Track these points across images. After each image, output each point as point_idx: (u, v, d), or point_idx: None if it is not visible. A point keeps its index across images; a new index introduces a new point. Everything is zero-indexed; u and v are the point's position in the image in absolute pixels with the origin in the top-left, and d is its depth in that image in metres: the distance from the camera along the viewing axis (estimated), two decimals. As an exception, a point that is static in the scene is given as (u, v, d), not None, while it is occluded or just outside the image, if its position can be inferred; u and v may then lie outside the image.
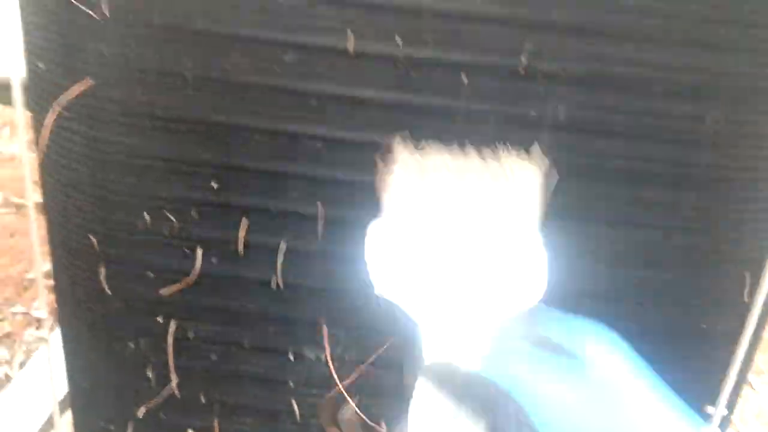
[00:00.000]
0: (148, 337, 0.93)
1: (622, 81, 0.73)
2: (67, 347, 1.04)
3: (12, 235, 2.17)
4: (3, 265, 2.05)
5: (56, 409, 1.05)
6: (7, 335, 1.81)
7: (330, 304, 0.88)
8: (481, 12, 0.71)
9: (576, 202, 0.78)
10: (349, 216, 0.83)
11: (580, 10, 0.71)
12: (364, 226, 0.85)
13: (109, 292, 0.91)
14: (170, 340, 0.91)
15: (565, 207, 0.77)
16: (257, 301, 0.89)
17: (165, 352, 0.93)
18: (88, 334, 0.98)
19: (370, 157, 0.79)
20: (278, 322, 0.90)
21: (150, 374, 0.95)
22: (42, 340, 1.78)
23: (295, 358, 0.92)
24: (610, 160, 0.75)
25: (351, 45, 0.74)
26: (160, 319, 0.91)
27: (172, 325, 0.91)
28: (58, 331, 1.70)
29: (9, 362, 1.71)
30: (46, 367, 1.58)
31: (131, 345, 0.94)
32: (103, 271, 0.90)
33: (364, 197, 0.82)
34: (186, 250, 0.87)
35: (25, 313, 1.88)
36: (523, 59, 0.71)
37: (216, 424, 0.97)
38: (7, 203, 2.36)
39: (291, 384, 0.94)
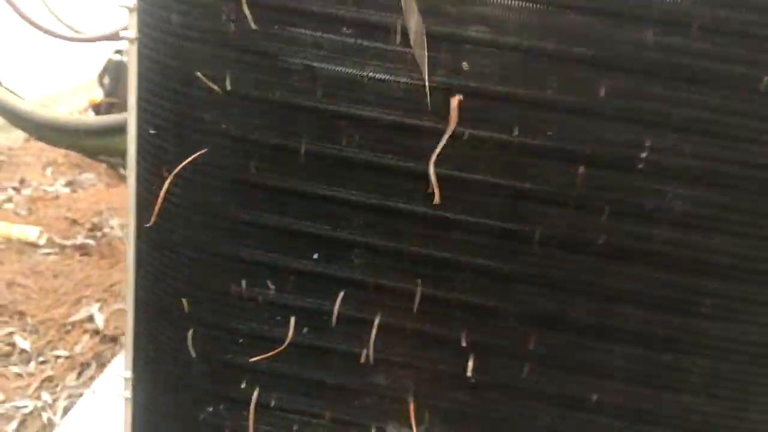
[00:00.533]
0: (228, 403, 0.93)
1: (736, 180, 0.73)
2: (138, 405, 1.03)
3: (55, 277, 2.19)
4: (45, 306, 2.06)
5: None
6: (49, 379, 1.80)
7: (419, 381, 0.88)
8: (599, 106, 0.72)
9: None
10: (445, 295, 0.83)
11: (697, 111, 0.72)
12: (459, 306, 0.86)
13: (193, 355, 0.91)
14: (252, 407, 0.91)
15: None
16: (344, 374, 0.89)
17: (243, 419, 0.92)
18: (163, 394, 0.97)
19: (476, 240, 0.79)
20: (363, 397, 0.90)
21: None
22: (84, 385, 1.77)
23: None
24: (724, 257, 0.76)
25: (466, 132, 0.75)
26: (243, 386, 0.91)
27: (256, 393, 0.91)
28: (101, 378, 1.70)
29: (51, 406, 1.71)
30: (90, 415, 1.58)
31: (210, 410, 0.93)
32: (190, 334, 0.91)
33: (462, 277, 0.82)
34: (278, 318, 0.88)
35: (68, 357, 1.87)
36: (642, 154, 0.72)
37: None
38: (51, 244, 2.38)
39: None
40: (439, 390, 0.88)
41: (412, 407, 0.88)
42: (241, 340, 0.89)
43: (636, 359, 0.82)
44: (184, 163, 0.81)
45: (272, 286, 0.85)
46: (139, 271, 0.95)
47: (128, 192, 0.87)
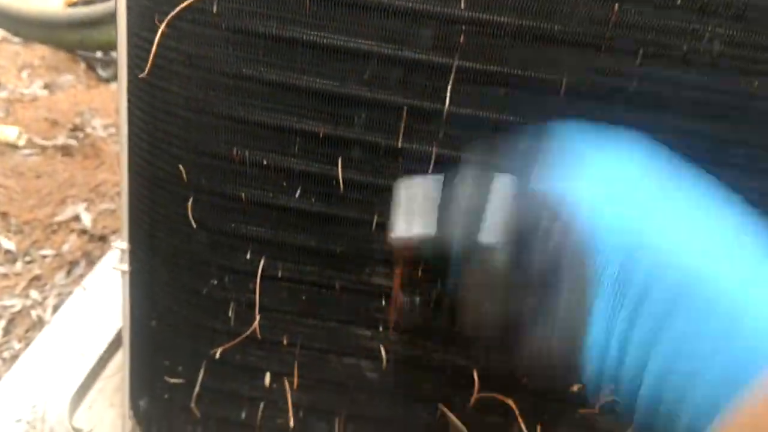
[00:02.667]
0: (233, 275, 0.89)
1: None
2: (136, 284, 0.99)
3: (38, 177, 2.11)
4: (29, 207, 1.99)
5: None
6: (37, 278, 1.76)
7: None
8: None
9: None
10: (459, 156, 0.79)
11: None
12: (471, 167, 0.81)
13: (194, 225, 0.87)
14: (258, 278, 0.87)
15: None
16: (354, 241, 0.85)
17: (250, 291, 0.89)
18: (165, 270, 0.93)
19: (494, 92, 0.74)
20: (375, 264, 0.86)
21: (231, 314, 0.91)
22: (74, 283, 1.73)
23: (388, 302, 0.88)
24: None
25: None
26: (248, 256, 0.87)
27: (262, 263, 0.87)
28: (92, 275, 1.66)
29: (40, 304, 1.67)
30: (82, 311, 1.54)
31: (214, 282, 0.89)
32: (190, 203, 0.85)
33: (478, 135, 0.77)
34: (283, 184, 0.82)
35: (56, 256, 1.82)
36: None
37: (296, 369, 0.93)
38: (31, 144, 2.29)
39: (381, 329, 0.90)
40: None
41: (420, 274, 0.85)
42: (244, 209, 0.84)
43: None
44: (179, 8, 0.74)
45: (276, 149, 0.80)
46: (132, 137, 0.89)
47: (118, 43, 0.80)
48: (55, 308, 1.66)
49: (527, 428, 0.91)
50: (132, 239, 0.94)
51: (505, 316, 0.59)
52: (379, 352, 0.91)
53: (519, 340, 0.58)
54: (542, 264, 0.53)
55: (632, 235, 0.48)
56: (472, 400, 0.92)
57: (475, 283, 0.61)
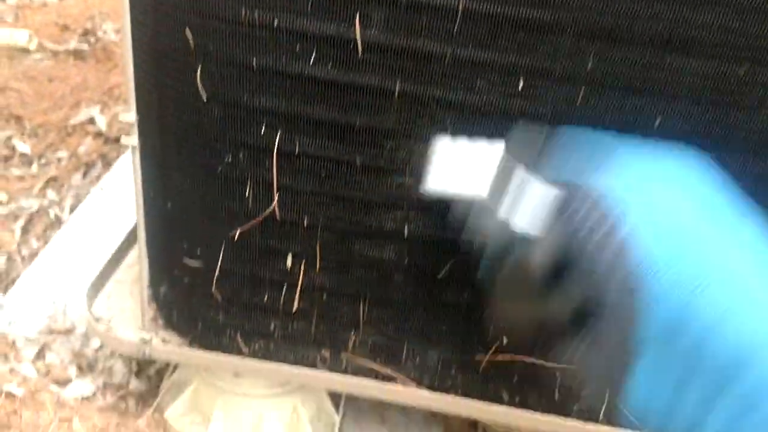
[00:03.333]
0: (248, 151, 0.84)
1: None
2: (148, 163, 0.95)
3: (50, 81, 2.06)
4: (43, 110, 1.95)
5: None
6: (54, 179, 1.73)
7: (459, 117, 0.78)
8: None
9: None
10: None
11: None
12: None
13: (204, 97, 0.81)
14: (275, 153, 0.82)
15: None
16: (375, 112, 0.79)
17: (266, 169, 0.84)
18: (176, 147, 0.89)
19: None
20: (396, 138, 0.80)
21: (248, 193, 0.87)
22: (90, 184, 1.71)
23: (411, 180, 0.83)
24: None
25: None
26: (263, 130, 0.82)
27: (278, 137, 0.82)
28: (108, 176, 1.63)
29: (58, 204, 1.65)
30: (99, 210, 1.52)
31: (228, 159, 0.85)
32: (198, 71, 0.80)
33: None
34: (297, 48, 0.76)
35: (72, 158, 1.79)
36: None
37: (319, 249, 0.90)
38: (42, 49, 2.22)
39: (404, 208, 0.85)
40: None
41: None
42: (256, 77, 0.79)
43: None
44: None
45: (287, 7, 0.73)
46: (135, 6, 0.83)
47: None
48: (72, 208, 1.64)
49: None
50: (140, 114, 0.89)
51: (537, 321, 0.56)
52: (403, 233, 0.87)
53: (551, 349, 0.54)
54: (588, 281, 0.49)
55: (689, 281, 0.43)
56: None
57: (510, 278, 0.59)
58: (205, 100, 0.81)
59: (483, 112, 0.77)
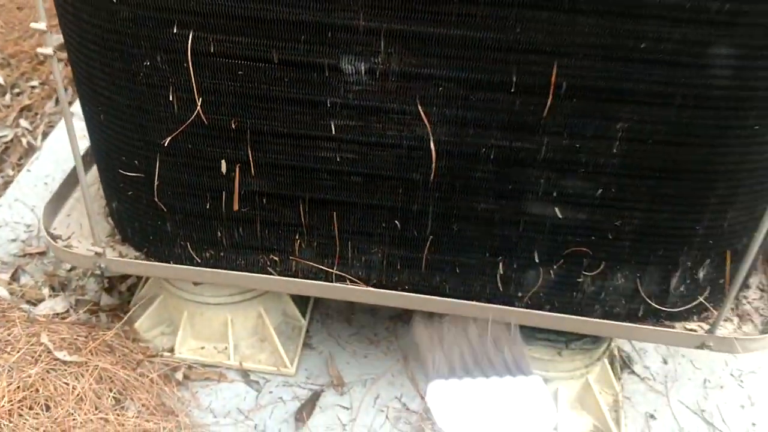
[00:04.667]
0: (164, 53, 0.82)
1: None
2: (80, 78, 0.94)
3: (20, 9, 2.03)
4: (14, 39, 1.93)
5: (79, 161, 0.97)
6: (27, 108, 1.73)
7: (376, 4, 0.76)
8: None
9: None
10: None
11: None
12: None
13: (114, 0, 0.79)
14: (189, 52, 0.81)
15: None
16: (284, 5, 0.77)
17: (186, 72, 0.83)
18: (98, 56, 0.87)
19: None
20: (311, 30, 0.78)
21: (172, 97, 0.86)
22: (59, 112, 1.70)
23: (330, 73, 0.81)
24: None
25: None
26: (175, 30, 0.80)
27: (191, 36, 0.80)
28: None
29: (31, 132, 1.65)
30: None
31: (147, 63, 0.84)
32: (105, -27, 0.78)
33: None
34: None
35: (43, 86, 1.79)
36: None
37: (250, 153, 0.89)
38: (10, -23, 2.18)
39: (328, 104, 0.84)
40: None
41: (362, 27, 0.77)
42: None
43: None
44: None
45: None
46: None
47: None
48: (45, 135, 1.64)
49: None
50: (63, 24, 0.87)
51: None
52: (331, 132, 0.86)
53: None
54: None
55: None
56: (431, 177, 0.88)
57: None
58: (114, 2, 0.80)
59: None
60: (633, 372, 1.21)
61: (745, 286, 1.07)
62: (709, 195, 0.86)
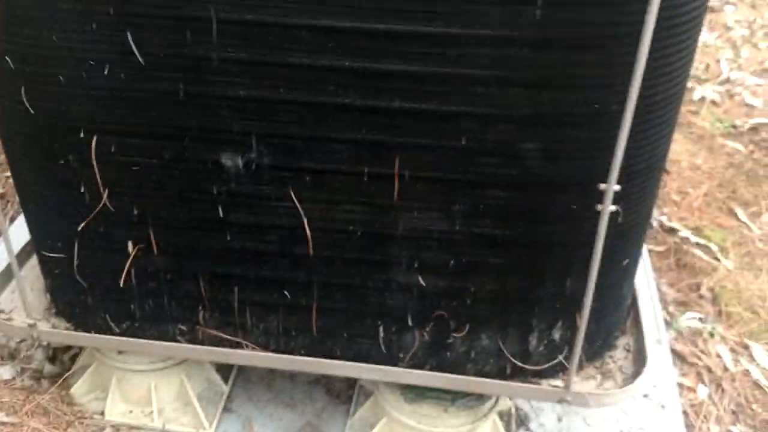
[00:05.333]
0: (74, 154, 0.98)
1: None
2: (16, 172, 1.09)
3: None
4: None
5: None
6: (1, 195, 1.90)
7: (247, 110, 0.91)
8: None
9: None
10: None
11: None
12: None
13: (31, 111, 0.95)
14: (93, 153, 0.96)
15: None
16: (169, 113, 0.92)
17: (92, 168, 0.98)
18: (23, 155, 1.03)
19: None
20: (193, 132, 0.94)
21: (83, 189, 1.00)
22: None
23: (213, 166, 0.96)
24: None
25: None
26: (82, 135, 0.96)
27: (94, 140, 0.96)
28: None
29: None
30: None
31: (61, 162, 0.99)
32: (23, 90, 0.94)
33: None
34: (91, 63, 0.90)
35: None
36: None
37: (151, 235, 1.03)
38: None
39: (215, 192, 0.98)
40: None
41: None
42: (65, 91, 0.93)
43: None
44: None
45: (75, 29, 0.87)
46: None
47: None
48: (12, 220, 1.79)
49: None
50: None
51: None
52: (218, 213, 1.00)
53: None
54: None
55: None
56: (310, 252, 1.01)
57: None
58: (32, 112, 0.96)
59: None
60: (528, 429, 1.31)
61: (613, 346, 1.18)
62: (547, 266, 0.99)
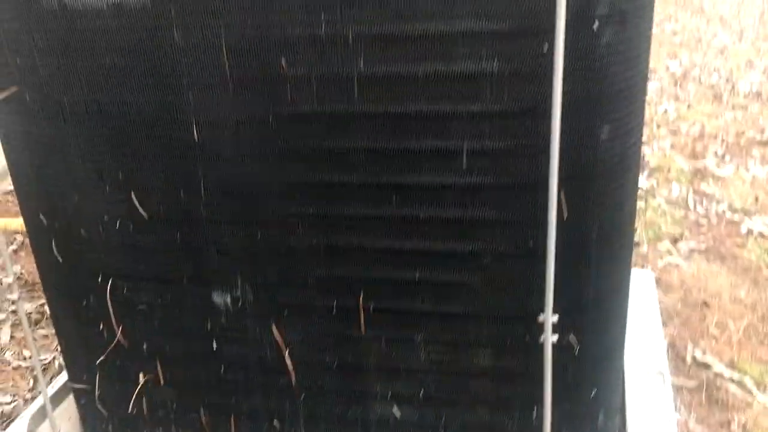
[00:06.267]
0: (94, 295, 1.14)
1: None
2: (51, 314, 1.26)
3: None
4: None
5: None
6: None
7: (231, 255, 1.05)
8: None
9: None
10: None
11: None
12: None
13: (60, 260, 1.13)
14: (108, 295, 1.12)
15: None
16: (169, 260, 1.08)
17: (107, 308, 1.13)
18: (56, 297, 1.20)
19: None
20: (189, 275, 1.08)
21: (102, 327, 1.16)
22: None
23: (207, 305, 1.09)
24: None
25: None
26: (99, 280, 1.12)
27: (109, 283, 1.12)
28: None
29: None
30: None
31: (84, 303, 1.15)
32: (53, 242, 1.12)
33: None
34: (105, 218, 1.08)
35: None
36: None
37: (159, 370, 1.16)
38: None
39: (209, 327, 1.11)
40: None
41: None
42: (88, 238, 1.10)
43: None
44: None
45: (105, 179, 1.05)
46: (21, 205, 1.17)
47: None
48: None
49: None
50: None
51: None
52: (212, 347, 1.12)
53: None
54: None
55: None
56: (293, 383, 1.11)
57: None
58: (60, 261, 1.13)
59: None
60: None
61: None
62: (513, 396, 1.04)
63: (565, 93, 0.82)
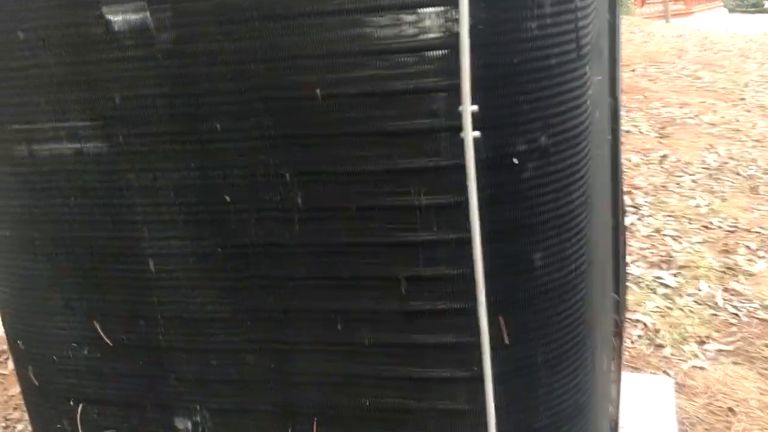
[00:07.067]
0: (66, 419, 1.18)
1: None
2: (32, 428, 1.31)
3: None
4: None
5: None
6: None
7: (189, 384, 1.08)
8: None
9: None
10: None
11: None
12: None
13: (36, 383, 1.18)
14: (78, 419, 1.16)
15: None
16: (133, 386, 1.11)
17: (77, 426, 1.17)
18: (35, 418, 1.25)
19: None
20: (156, 407, 1.11)
21: (74, 444, 1.19)
22: None
23: (170, 430, 1.12)
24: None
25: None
26: (71, 403, 1.16)
27: (79, 408, 1.16)
28: None
29: None
30: None
31: (58, 426, 1.19)
32: (30, 368, 1.18)
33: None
34: (74, 345, 1.13)
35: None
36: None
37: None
38: None
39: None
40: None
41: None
42: (60, 364, 1.15)
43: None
44: None
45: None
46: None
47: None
48: None
49: None
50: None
51: None
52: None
53: None
54: None
55: None
56: None
57: None
58: (37, 384, 1.18)
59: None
60: None
61: None
62: None
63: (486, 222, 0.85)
